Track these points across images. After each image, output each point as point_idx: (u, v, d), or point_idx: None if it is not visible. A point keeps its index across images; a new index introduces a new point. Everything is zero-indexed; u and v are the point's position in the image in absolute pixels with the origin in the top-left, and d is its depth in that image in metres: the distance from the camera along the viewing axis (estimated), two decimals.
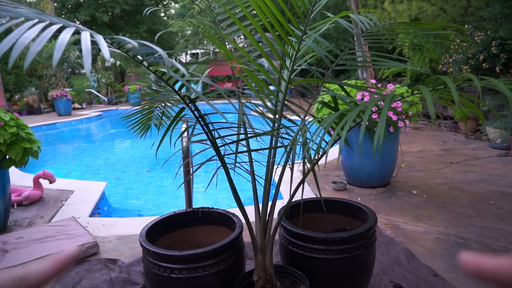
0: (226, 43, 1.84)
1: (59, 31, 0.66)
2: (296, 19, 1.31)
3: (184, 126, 1.87)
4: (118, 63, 13.06)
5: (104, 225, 2.80)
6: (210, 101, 1.19)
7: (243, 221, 1.56)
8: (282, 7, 1.24)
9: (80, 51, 10.92)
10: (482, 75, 5.77)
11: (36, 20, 0.67)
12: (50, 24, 0.68)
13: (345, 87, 1.59)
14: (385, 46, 7.99)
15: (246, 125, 1.58)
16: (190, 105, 1.27)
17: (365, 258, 1.63)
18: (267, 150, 1.48)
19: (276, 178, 1.66)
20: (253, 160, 1.62)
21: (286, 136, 1.46)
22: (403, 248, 2.29)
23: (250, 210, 1.53)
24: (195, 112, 1.28)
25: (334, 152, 4.57)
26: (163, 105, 1.86)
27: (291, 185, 1.34)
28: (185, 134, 1.90)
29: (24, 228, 2.77)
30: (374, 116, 2.93)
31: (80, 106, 12.31)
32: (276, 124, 1.51)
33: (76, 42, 10.88)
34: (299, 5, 1.29)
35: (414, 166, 4.18)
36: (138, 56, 1.04)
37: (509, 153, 4.64)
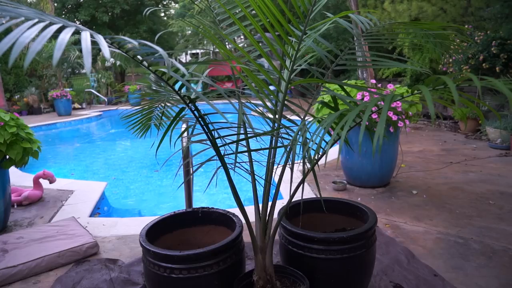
0: (226, 43, 1.84)
1: (59, 31, 0.66)
2: (296, 19, 1.31)
3: (184, 126, 1.87)
4: (118, 63, 13.05)
5: (104, 225, 2.80)
6: (210, 101, 1.19)
7: (243, 221, 1.56)
8: (282, 7, 1.24)
9: (80, 51, 10.92)
10: (482, 75, 5.77)
11: (36, 20, 0.67)
12: (50, 24, 0.68)
13: (345, 87, 1.59)
14: (385, 46, 7.99)
15: (246, 125, 1.58)
16: (190, 105, 1.27)
17: (365, 258, 1.63)
18: (267, 150, 1.48)
19: (276, 178, 1.66)
20: (253, 160, 1.62)
21: (286, 136, 1.46)
22: (403, 248, 2.29)
23: (250, 210, 1.53)
24: (195, 112, 1.28)
25: (334, 152, 4.57)
26: (163, 105, 1.86)
27: (291, 185, 1.34)
28: (185, 134, 1.90)
29: (24, 228, 2.77)
30: (374, 116, 2.93)
31: (80, 106, 12.30)
32: (276, 124, 1.51)
33: (76, 42, 10.88)
34: (299, 5, 1.29)
35: (414, 166, 4.18)
36: (138, 56, 1.04)
37: (509, 153, 4.64)
